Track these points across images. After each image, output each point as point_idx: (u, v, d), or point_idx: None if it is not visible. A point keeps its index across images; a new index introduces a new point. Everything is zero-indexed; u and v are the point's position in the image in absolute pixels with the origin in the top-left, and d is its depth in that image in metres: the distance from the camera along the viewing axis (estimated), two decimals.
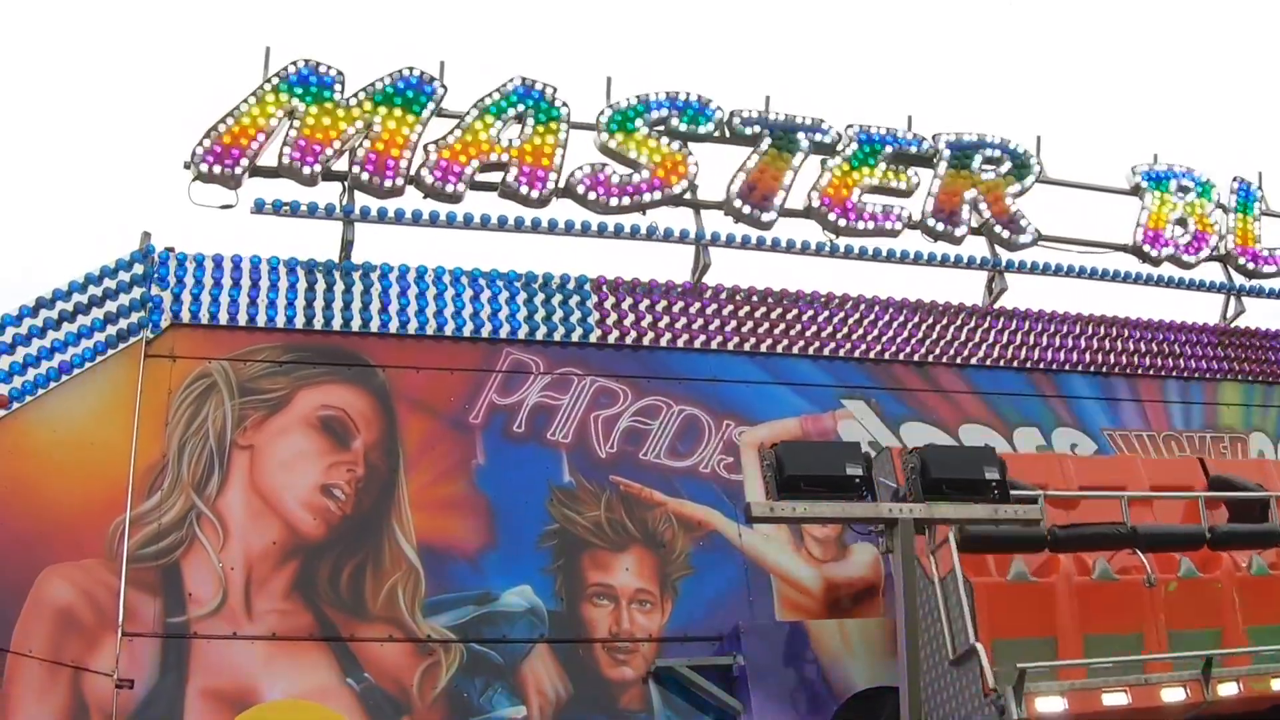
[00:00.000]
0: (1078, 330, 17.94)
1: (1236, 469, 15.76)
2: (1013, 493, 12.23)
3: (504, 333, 15.14)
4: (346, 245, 15.20)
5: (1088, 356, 17.81)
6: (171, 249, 14.61)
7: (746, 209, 16.54)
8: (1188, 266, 19.02)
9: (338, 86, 15.35)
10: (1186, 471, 15.21)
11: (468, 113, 15.72)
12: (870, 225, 17.08)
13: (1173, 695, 12.15)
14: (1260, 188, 19.76)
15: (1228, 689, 12.33)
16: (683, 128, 16.55)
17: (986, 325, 17.45)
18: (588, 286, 15.80)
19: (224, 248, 14.79)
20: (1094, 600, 12.93)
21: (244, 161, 14.88)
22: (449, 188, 15.41)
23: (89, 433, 13.51)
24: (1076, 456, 15.98)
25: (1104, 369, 17.83)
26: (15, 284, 15.66)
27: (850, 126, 17.38)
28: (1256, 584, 13.66)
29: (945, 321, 17.22)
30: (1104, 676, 12.11)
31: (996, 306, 17.67)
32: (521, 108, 15.91)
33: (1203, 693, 12.17)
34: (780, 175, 16.75)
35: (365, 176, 15.19)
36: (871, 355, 16.63)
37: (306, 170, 15.01)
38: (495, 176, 15.70)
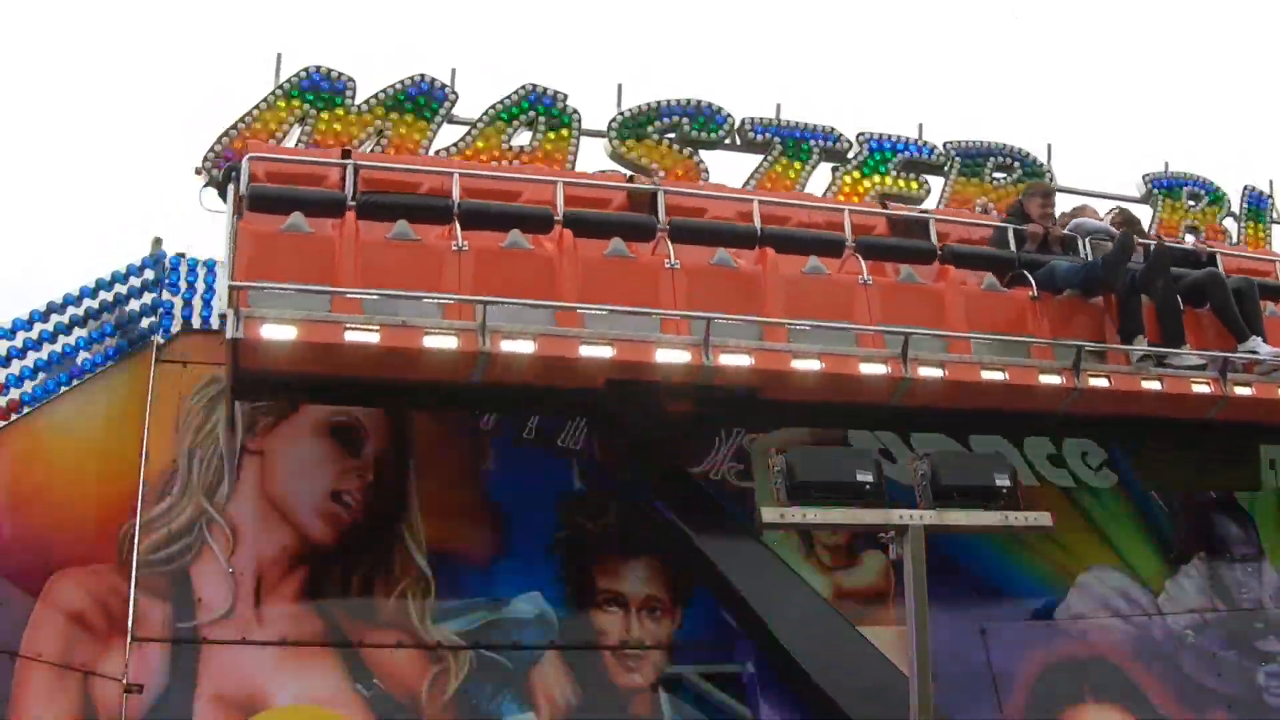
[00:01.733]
0: None
1: None
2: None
3: None
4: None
5: None
6: (183, 254, 14.61)
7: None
8: None
9: (349, 93, 15.35)
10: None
11: (479, 119, 15.73)
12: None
13: (441, 341, 11.74)
14: (1271, 196, 19.70)
15: (516, 345, 11.90)
16: (694, 135, 16.53)
17: None
18: None
19: None
20: (381, 256, 12.13)
21: None
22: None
23: (99, 438, 13.53)
24: None
25: None
26: (24, 288, 15.67)
27: (861, 134, 17.36)
28: (802, 281, 13.31)
29: None
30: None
31: None
32: (532, 114, 15.92)
33: (479, 343, 11.73)
34: (791, 183, 16.74)
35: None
36: None
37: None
38: None
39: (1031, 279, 14.04)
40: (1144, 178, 19.01)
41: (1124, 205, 17.39)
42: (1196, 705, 15.22)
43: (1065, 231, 14.98)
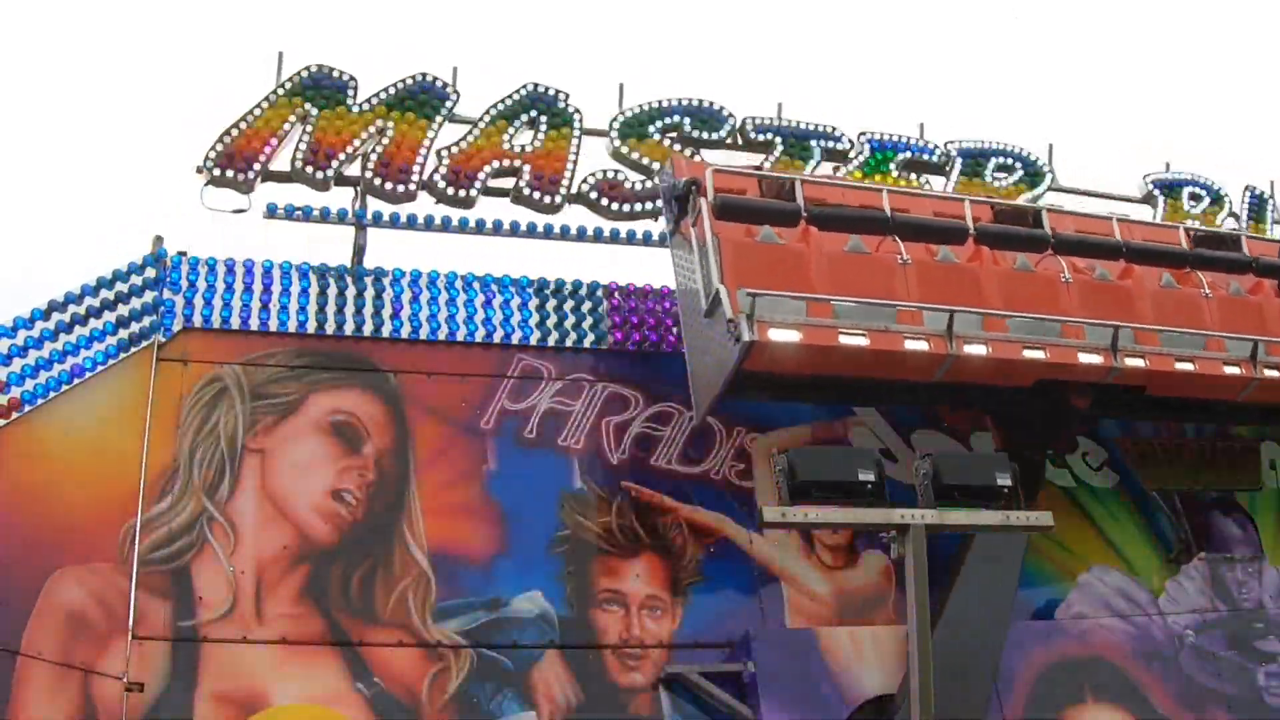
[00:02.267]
0: None
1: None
2: (771, 175, 14.29)
3: (516, 338, 15.13)
4: (359, 250, 15.21)
5: None
6: (184, 253, 14.63)
7: None
8: None
9: (351, 91, 15.39)
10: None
11: (480, 118, 15.76)
12: None
13: (916, 345, 12.94)
14: (1272, 196, 19.72)
15: (975, 349, 13.16)
16: (695, 134, 16.55)
17: None
18: (600, 292, 15.77)
19: (236, 252, 14.81)
20: (846, 267, 13.57)
21: (256, 166, 14.90)
22: (461, 193, 15.43)
23: (100, 436, 13.53)
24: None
25: None
26: (24, 286, 15.65)
27: (862, 134, 17.39)
28: (1016, 276, 14.39)
29: None
30: (849, 318, 12.95)
31: None
32: (534, 113, 15.94)
33: (947, 347, 12.92)
34: None
35: (378, 182, 15.20)
36: None
37: (319, 175, 15.03)
38: (508, 182, 15.72)
39: None
40: (1145, 178, 19.05)
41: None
42: (1197, 705, 15.20)
43: None
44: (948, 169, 17.62)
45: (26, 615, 12.46)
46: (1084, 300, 14.43)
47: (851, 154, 17.23)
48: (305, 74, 15.30)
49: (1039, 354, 13.56)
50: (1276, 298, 15.50)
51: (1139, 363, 13.97)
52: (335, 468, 13.92)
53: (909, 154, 17.51)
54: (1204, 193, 19.23)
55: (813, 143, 17.03)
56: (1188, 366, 14.21)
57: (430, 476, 14.15)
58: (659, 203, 15.87)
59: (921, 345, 12.99)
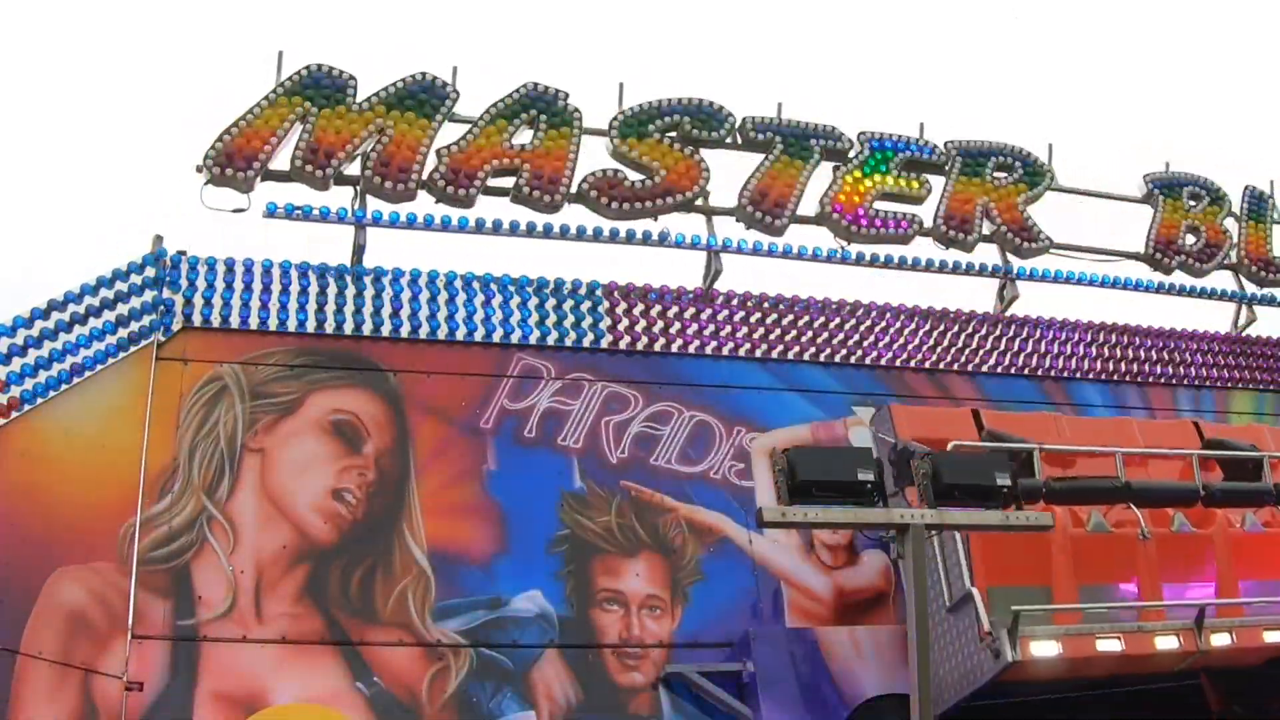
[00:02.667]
0: (1089, 338, 17.94)
1: (1231, 434, 15.95)
2: (1007, 445, 13.36)
3: (515, 338, 15.15)
4: (358, 250, 15.21)
5: (1099, 364, 17.80)
6: (184, 252, 14.64)
7: (758, 215, 16.53)
8: (1199, 275, 19.02)
9: (350, 91, 15.38)
10: (1181, 434, 15.43)
11: (480, 118, 15.75)
12: (882, 232, 17.07)
13: (1166, 643, 12.47)
14: (1272, 196, 19.74)
15: (1220, 639, 12.64)
16: (695, 134, 16.55)
17: (998, 333, 17.44)
18: (599, 292, 15.80)
19: (236, 251, 14.84)
20: (1088, 550, 13.24)
21: (256, 165, 14.90)
22: (461, 193, 15.42)
23: (100, 435, 13.54)
24: (1071, 418, 15.97)
25: (1115, 377, 17.82)
26: (24, 286, 15.66)
27: (862, 133, 17.39)
28: (1249, 540, 13.99)
29: (957, 329, 17.22)
30: (1098, 623, 12.48)
31: (1008, 314, 17.65)
32: (534, 113, 15.94)
33: (1196, 642, 12.48)
34: (792, 182, 16.76)
35: (377, 181, 15.20)
36: (883, 362, 16.62)
37: (319, 174, 15.03)
38: (507, 182, 15.72)
39: None
40: (1145, 178, 19.06)
41: None
42: None
43: None
44: (947, 168, 17.62)
45: (26, 614, 12.48)
46: None
47: (851, 153, 17.22)
48: (305, 73, 15.30)
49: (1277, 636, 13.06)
50: None
51: None
52: (335, 467, 13.93)
53: (909, 153, 17.51)
54: (1204, 192, 19.24)
55: (812, 142, 17.03)
56: None
57: (430, 476, 14.16)
58: (657, 202, 15.93)
59: (1172, 643, 12.57)
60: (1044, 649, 12.03)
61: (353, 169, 15.29)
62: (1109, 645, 12.30)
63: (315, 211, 15.10)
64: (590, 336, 15.40)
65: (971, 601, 12.25)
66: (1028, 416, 15.52)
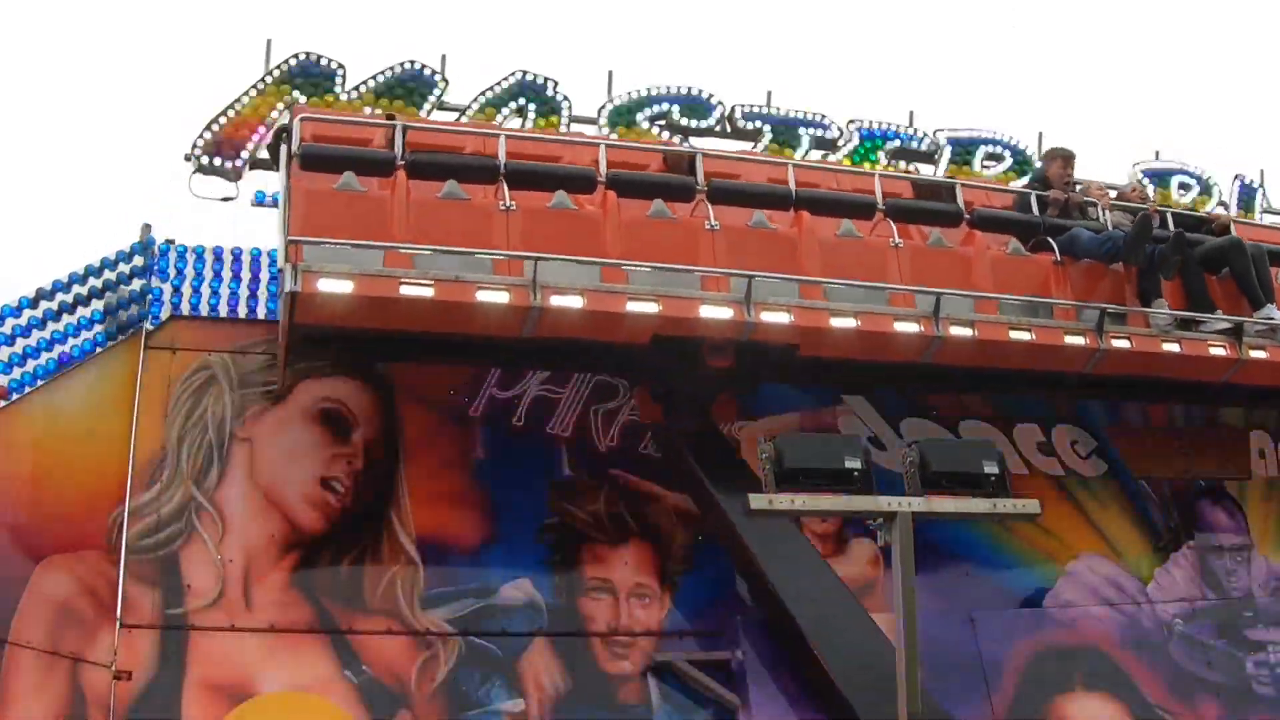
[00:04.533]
0: None
1: None
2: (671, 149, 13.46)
3: None
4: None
5: None
6: (172, 241, 14.59)
7: None
8: None
9: (339, 79, 15.37)
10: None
11: (469, 106, 15.74)
12: None
13: (492, 296, 12.03)
14: (1262, 186, 19.73)
15: (563, 300, 12.18)
16: (684, 122, 16.55)
17: None
18: None
19: (225, 240, 14.78)
20: (438, 216, 12.40)
21: (245, 154, 14.88)
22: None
23: (88, 425, 13.53)
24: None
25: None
26: (12, 274, 15.66)
27: (851, 122, 17.38)
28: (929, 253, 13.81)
29: None
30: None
31: None
32: (522, 101, 15.93)
33: (530, 298, 11.98)
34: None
35: None
36: None
37: None
38: None
39: (1054, 244, 14.16)
40: (1135, 167, 19.04)
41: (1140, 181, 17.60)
42: (1185, 693, 15.23)
43: (1085, 198, 15.10)
44: (936, 157, 17.62)
45: (14, 604, 12.49)
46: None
47: (840, 142, 17.22)
48: (293, 62, 15.28)
49: (648, 307, 12.48)
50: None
51: (781, 318, 12.81)
52: (324, 456, 13.90)
53: (898, 142, 17.52)
54: (1193, 181, 19.24)
55: (801, 130, 17.03)
56: (847, 323, 13.04)
57: (419, 464, 14.13)
58: None
59: (501, 297, 12.02)
60: (333, 285, 11.62)
61: None
62: (416, 290, 11.81)
63: None
64: None
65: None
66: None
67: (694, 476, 13.84)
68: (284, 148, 12.79)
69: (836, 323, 12.93)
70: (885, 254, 13.51)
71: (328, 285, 11.60)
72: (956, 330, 13.26)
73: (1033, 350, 13.70)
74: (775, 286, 12.80)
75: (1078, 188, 15.28)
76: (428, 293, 11.82)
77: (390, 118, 14.13)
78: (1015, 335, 13.53)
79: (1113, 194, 15.81)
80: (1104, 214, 14.73)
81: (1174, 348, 14.10)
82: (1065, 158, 15.26)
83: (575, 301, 12.19)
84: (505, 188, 12.59)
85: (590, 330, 12.66)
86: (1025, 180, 16.39)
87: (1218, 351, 14.28)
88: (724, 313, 12.59)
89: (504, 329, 12.47)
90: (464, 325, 12.48)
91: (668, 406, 14.24)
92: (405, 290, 11.77)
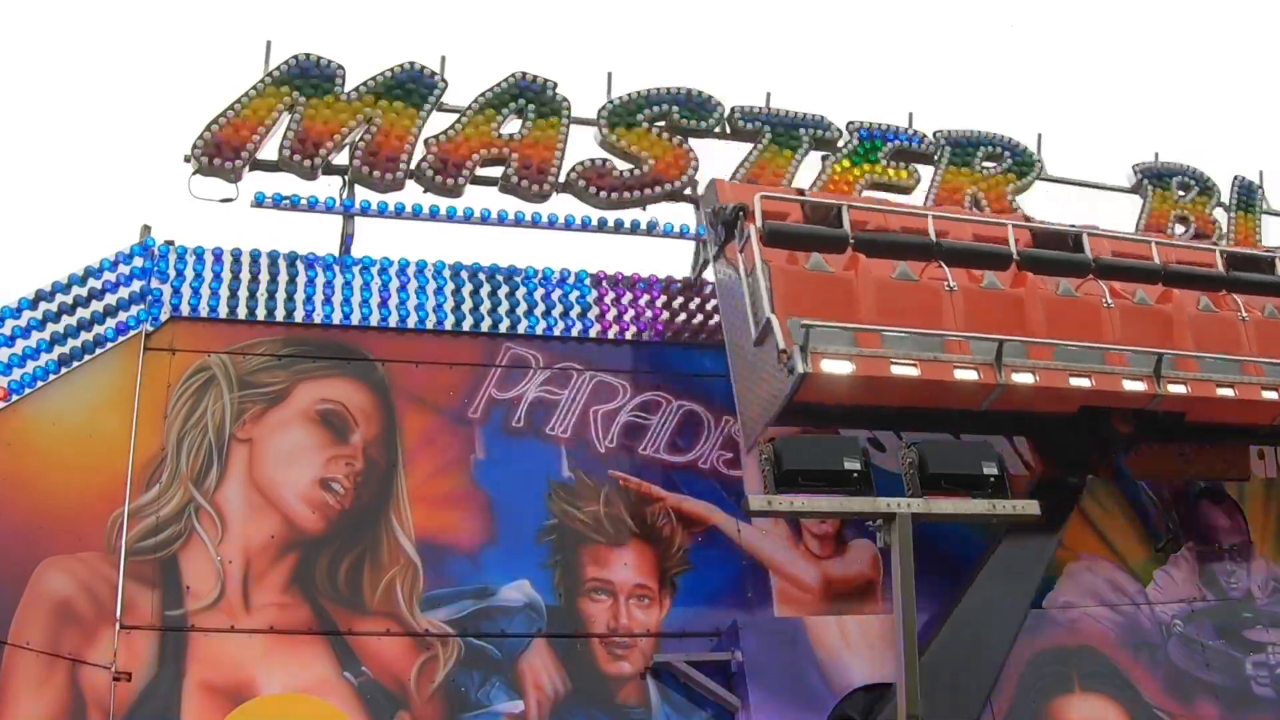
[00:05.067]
0: None
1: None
2: (816, 199, 14.19)
3: (504, 327, 15.10)
4: (346, 239, 15.21)
5: None
6: (171, 242, 14.60)
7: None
8: None
9: (338, 80, 15.39)
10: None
11: (468, 107, 15.75)
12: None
13: (965, 374, 12.84)
14: (1261, 187, 19.74)
15: (1023, 377, 13.07)
16: (684, 123, 16.56)
17: None
18: (587, 282, 15.76)
19: (224, 241, 14.78)
20: (892, 294, 13.52)
21: (244, 155, 14.90)
22: (449, 182, 15.43)
23: (88, 426, 13.50)
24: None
25: None
26: (13, 277, 15.64)
27: (851, 123, 17.39)
28: (1060, 302, 14.33)
29: None
30: (895, 349, 12.78)
31: None
32: (522, 102, 15.94)
33: (995, 376, 12.85)
34: (781, 171, 16.76)
35: (366, 170, 15.21)
36: None
37: (307, 164, 15.03)
38: (495, 171, 15.72)
39: None
40: (1134, 168, 19.06)
41: None
42: (1184, 694, 15.22)
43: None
44: (936, 158, 17.63)
45: (14, 605, 12.44)
46: (1126, 324, 14.43)
47: (840, 143, 17.23)
48: (293, 63, 15.30)
49: (1084, 381, 13.55)
50: None
51: (1180, 389, 13.97)
52: (323, 457, 13.91)
53: (897, 143, 17.52)
54: (1193, 182, 19.25)
55: (801, 131, 17.04)
56: (1228, 392, 14.23)
57: (418, 465, 14.14)
58: (645, 191, 15.94)
59: (971, 374, 12.95)
60: (836, 366, 12.32)
61: (341, 159, 15.29)
62: (905, 370, 12.64)
63: (303, 201, 15.09)
64: (578, 326, 15.38)
65: (771, 327, 12.49)
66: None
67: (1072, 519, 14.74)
68: (742, 224, 13.60)
69: (1222, 392, 14.24)
70: (1236, 326, 15.17)
71: (832, 366, 12.40)
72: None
73: None
74: (1173, 361, 14.15)
75: None
76: (913, 372, 12.77)
77: (800, 192, 15.28)
78: None
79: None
80: None
81: (1228, 392, 14.46)
82: None
83: (1028, 378, 13.24)
84: (946, 269, 13.84)
85: (1037, 403, 13.68)
86: None
87: (1270, 396, 14.61)
88: (1139, 386, 13.83)
89: (967, 401, 13.45)
90: (934, 400, 13.40)
91: (1059, 462, 14.89)
92: (895, 370, 12.75)
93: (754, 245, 13.28)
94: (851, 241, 13.68)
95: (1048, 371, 13.35)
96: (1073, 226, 15.32)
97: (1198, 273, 15.47)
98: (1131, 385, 13.75)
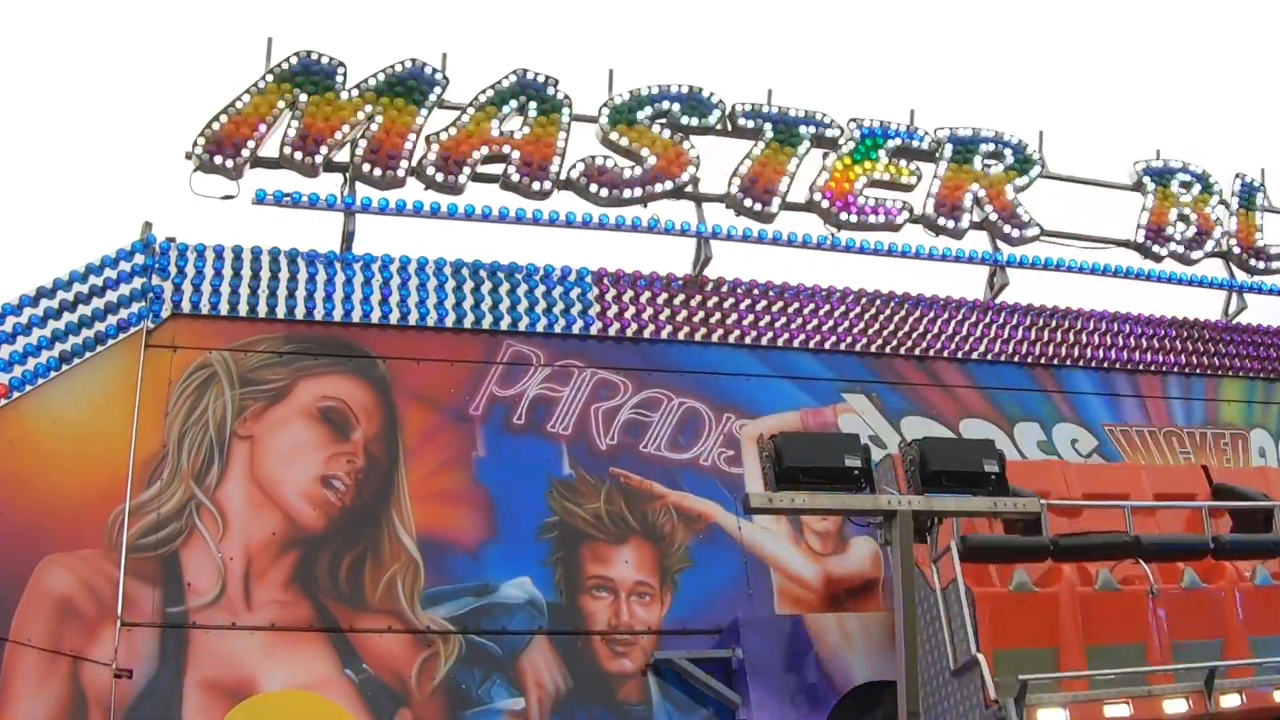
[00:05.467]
0: (1079, 325, 17.89)
1: (1240, 478, 15.59)
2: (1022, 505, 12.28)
3: (505, 324, 15.13)
4: (348, 236, 15.20)
5: (1089, 351, 17.77)
6: (173, 239, 14.63)
7: (748, 202, 16.52)
8: (1190, 263, 18.99)
9: (339, 77, 15.37)
10: (1190, 480, 15.04)
11: (469, 105, 15.73)
12: (872, 219, 17.05)
13: (1175, 706, 12.15)
14: (1263, 184, 19.73)
15: (1230, 700, 12.33)
16: (685, 120, 16.54)
17: (988, 320, 17.41)
18: (588, 279, 15.78)
19: (225, 238, 14.81)
20: (1097, 610, 12.85)
21: (245, 152, 14.89)
22: (450, 179, 15.41)
23: (89, 423, 13.52)
24: (1078, 465, 15.76)
25: (1105, 364, 17.79)
26: (14, 274, 15.64)
27: (852, 120, 17.37)
28: (1260, 594, 13.59)
29: (947, 316, 17.20)
30: (1106, 688, 12.15)
31: (998, 301, 17.62)
32: (523, 99, 15.92)
33: (1205, 704, 12.16)
34: (782, 169, 16.74)
35: (367, 168, 15.19)
36: (872, 349, 16.58)
37: (308, 161, 15.02)
38: (496, 168, 15.70)
39: None
40: (1135, 165, 19.02)
41: None
42: None
43: None
44: (937, 155, 17.60)
45: (15, 602, 12.45)
46: None
47: (841, 140, 17.21)
48: (294, 60, 15.29)
49: None
50: None
51: None
52: (324, 454, 13.93)
53: (899, 140, 17.50)
54: (1194, 180, 19.22)
55: (802, 129, 17.02)
56: None
57: (419, 463, 14.16)
58: (646, 188, 15.93)
59: (1181, 706, 12.25)
60: (1052, 716, 11.82)
61: (342, 156, 15.29)
62: (1117, 711, 12.04)
63: (304, 198, 15.09)
64: (579, 323, 15.39)
65: (977, 667, 11.95)
66: (1037, 465, 15.42)
67: None
68: (936, 530, 12.36)
69: None
70: None
71: (1048, 716, 11.79)
72: None
73: None
74: None
75: None
76: (1125, 711, 12.07)
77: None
78: None
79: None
80: None
81: None
82: None
83: (1236, 700, 12.38)
84: (1147, 568, 13.14)
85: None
86: None
87: None
88: None
89: None
90: None
91: None
92: (1108, 710, 12.05)
93: (955, 564, 12.54)
94: (1051, 548, 13.06)
95: (1254, 691, 12.63)
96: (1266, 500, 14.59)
97: None
98: None
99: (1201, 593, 13.37)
